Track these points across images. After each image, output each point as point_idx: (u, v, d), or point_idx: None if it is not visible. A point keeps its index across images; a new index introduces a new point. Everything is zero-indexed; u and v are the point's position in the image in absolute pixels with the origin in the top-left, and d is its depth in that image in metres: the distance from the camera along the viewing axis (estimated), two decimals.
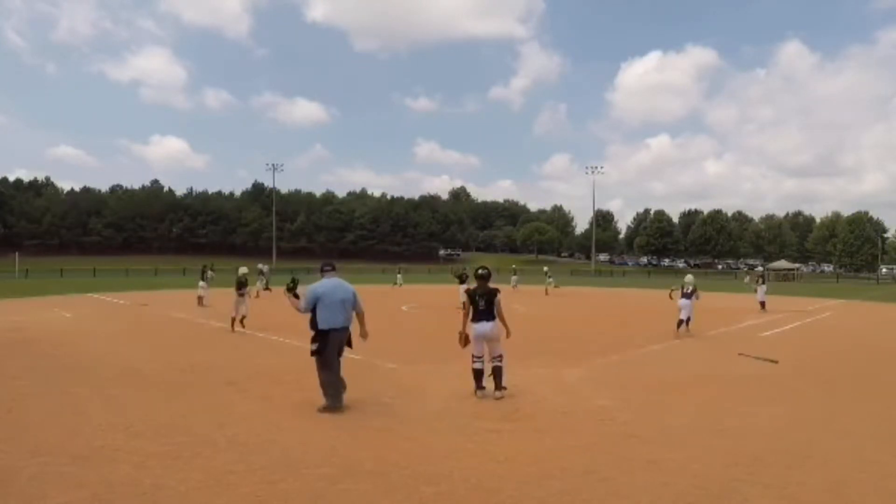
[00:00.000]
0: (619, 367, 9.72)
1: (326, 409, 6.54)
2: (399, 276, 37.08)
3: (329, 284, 6.81)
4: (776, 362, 9.80)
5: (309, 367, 9.48)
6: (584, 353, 11.21)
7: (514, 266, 43.78)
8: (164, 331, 14.33)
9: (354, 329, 6.88)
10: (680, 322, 13.61)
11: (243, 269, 15.10)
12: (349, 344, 6.85)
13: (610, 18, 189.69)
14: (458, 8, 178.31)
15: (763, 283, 21.61)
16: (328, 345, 6.59)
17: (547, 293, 30.39)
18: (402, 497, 4.25)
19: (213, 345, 11.95)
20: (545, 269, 37.06)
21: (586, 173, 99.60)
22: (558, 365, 9.78)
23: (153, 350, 10.54)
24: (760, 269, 25.30)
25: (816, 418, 6.57)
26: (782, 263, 73.68)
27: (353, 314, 6.93)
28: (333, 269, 7.03)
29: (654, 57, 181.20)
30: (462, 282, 18.86)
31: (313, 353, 6.61)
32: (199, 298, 20.81)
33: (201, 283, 21.40)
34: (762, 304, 20.95)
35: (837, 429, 6.12)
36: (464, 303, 7.66)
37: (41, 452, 5.08)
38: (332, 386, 6.62)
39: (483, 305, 7.38)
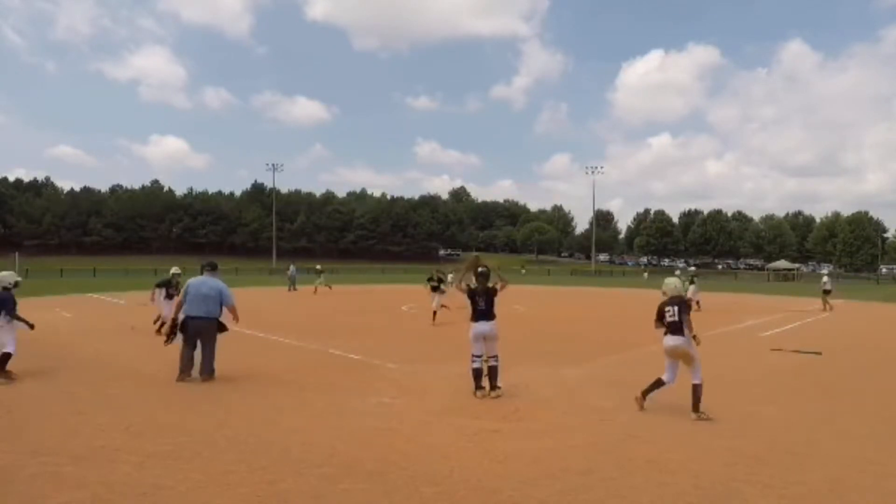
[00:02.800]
0: (619, 367, 9.72)
1: (179, 378, 7.99)
2: (451, 275, 36.84)
3: (197, 281, 8.31)
4: (819, 354, 9.70)
5: (309, 366, 9.50)
6: (584, 353, 11.21)
7: (439, 268, 45.31)
8: (164, 331, 14.29)
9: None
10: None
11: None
12: (221, 329, 8.24)
13: (612, 17, 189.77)
14: (459, 6, 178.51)
15: (693, 283, 22.20)
16: (186, 329, 8.11)
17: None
18: (402, 497, 4.25)
19: None
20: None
21: (586, 173, 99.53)
22: (558, 365, 9.78)
23: (153, 350, 10.52)
24: (692, 269, 25.74)
25: (816, 418, 6.57)
26: (782, 263, 73.72)
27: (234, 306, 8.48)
28: (211, 269, 8.57)
29: (655, 56, 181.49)
30: (435, 289, 17.28)
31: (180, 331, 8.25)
32: None
33: None
34: (696, 303, 21.37)
35: (837, 429, 6.12)
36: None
37: (41, 452, 5.08)
38: (183, 361, 8.10)
39: (483, 305, 7.38)
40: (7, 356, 8.06)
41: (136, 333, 13.57)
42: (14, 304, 8.26)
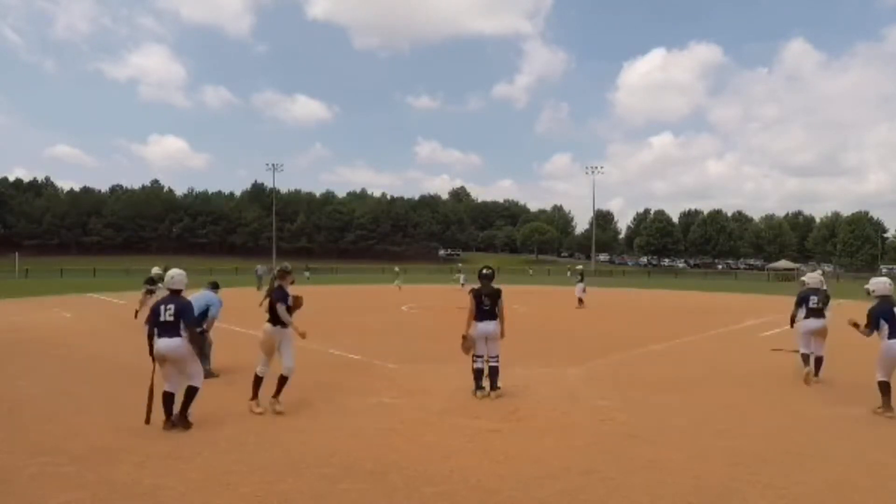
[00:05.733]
0: (619, 367, 9.71)
1: None
2: (462, 275, 35.74)
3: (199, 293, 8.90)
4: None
5: (309, 366, 9.49)
6: (584, 353, 11.21)
7: (459, 265, 46.58)
8: None
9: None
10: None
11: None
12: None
13: (615, 15, 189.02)
14: (461, 5, 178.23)
15: (581, 280, 22.53)
16: None
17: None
18: (402, 497, 4.25)
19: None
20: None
21: (587, 173, 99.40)
22: (558, 365, 9.78)
23: None
24: (580, 266, 26.18)
25: (816, 418, 6.57)
26: (784, 263, 73.67)
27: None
28: (214, 287, 9.16)
29: (657, 55, 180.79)
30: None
31: None
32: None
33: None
34: (580, 300, 21.92)
35: (837, 429, 6.13)
36: (470, 309, 7.54)
37: (41, 452, 5.09)
38: None
39: (487, 305, 7.38)
40: (195, 392, 6.04)
41: (135, 333, 13.53)
42: (193, 314, 6.13)
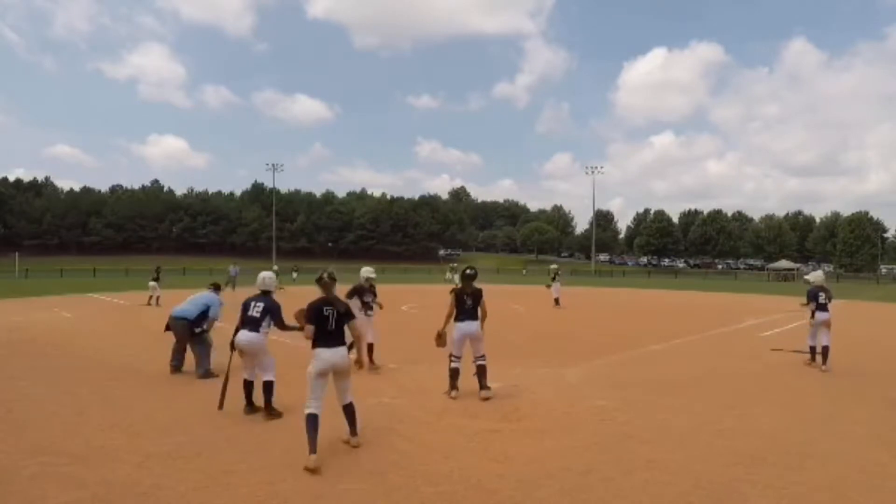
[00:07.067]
0: (619, 367, 9.71)
1: (170, 371, 8.73)
2: (456, 275, 35.19)
3: (200, 294, 9.35)
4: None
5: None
6: (584, 353, 11.20)
7: (453, 265, 47.24)
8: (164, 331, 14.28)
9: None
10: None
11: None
12: (192, 332, 8.67)
13: (616, 14, 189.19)
14: (462, 4, 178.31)
15: (556, 280, 22.55)
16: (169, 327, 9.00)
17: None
18: (402, 497, 4.25)
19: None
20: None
21: (587, 173, 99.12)
22: (558, 365, 9.78)
23: (153, 350, 10.53)
24: (555, 266, 26.15)
25: (816, 418, 6.57)
26: (784, 263, 73.68)
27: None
28: (215, 288, 9.44)
29: (658, 54, 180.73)
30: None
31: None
32: (156, 298, 20.71)
33: (152, 283, 21.45)
34: (556, 300, 21.92)
35: (837, 429, 6.12)
36: (449, 307, 7.50)
37: (41, 452, 5.09)
38: (171, 355, 8.87)
39: (470, 305, 7.33)
40: (271, 385, 6.45)
41: (135, 333, 13.56)
42: (281, 315, 6.65)
